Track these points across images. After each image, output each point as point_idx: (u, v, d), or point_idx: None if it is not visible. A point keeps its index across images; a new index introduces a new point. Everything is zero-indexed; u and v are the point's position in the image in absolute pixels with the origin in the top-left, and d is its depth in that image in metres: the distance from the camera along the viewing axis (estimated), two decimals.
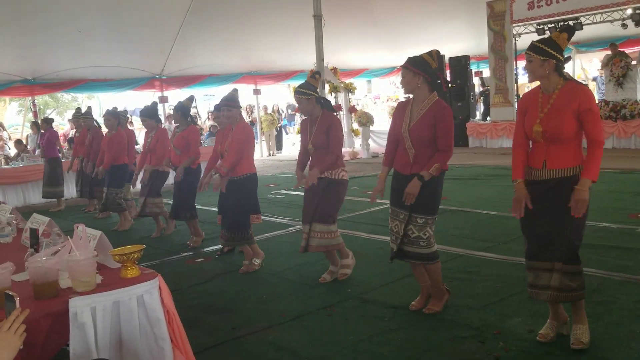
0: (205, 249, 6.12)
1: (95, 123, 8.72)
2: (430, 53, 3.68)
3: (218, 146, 5.47)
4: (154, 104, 7.28)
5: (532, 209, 3.11)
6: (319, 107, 4.54)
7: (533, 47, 3.08)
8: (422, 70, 3.62)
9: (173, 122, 7.60)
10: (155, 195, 6.79)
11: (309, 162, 4.69)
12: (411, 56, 3.72)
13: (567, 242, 3.04)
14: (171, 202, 6.50)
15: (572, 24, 13.07)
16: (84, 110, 9.50)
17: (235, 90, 5.34)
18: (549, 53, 3.03)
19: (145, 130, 7.31)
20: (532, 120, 3.13)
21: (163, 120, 13.20)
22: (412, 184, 3.62)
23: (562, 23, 13.32)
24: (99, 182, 8.15)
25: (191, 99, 6.73)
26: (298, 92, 4.52)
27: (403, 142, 3.72)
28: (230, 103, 5.17)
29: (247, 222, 5.10)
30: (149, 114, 6.78)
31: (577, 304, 3.14)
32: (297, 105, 4.90)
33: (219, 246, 5.86)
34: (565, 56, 3.11)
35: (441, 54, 3.95)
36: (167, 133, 6.96)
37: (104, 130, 8.18)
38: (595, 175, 2.98)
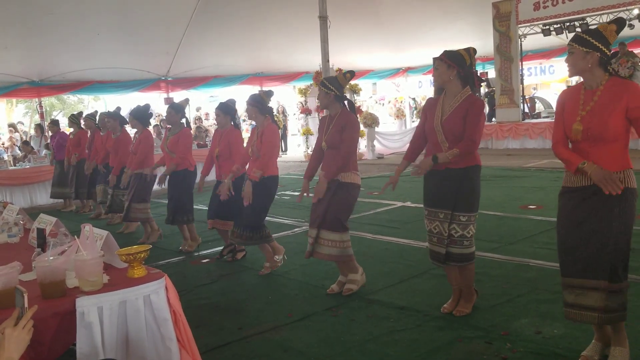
0: (210, 250, 6.11)
1: (95, 124, 8.71)
2: (467, 49, 3.66)
3: (215, 148, 5.52)
4: (147, 106, 7.05)
5: (571, 220, 2.88)
6: (338, 105, 4.32)
7: (576, 38, 2.83)
8: (456, 63, 3.59)
9: (166, 123, 7.31)
10: (140, 200, 6.57)
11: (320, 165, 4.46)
12: (447, 49, 3.67)
13: (612, 257, 2.78)
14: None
15: (578, 24, 13.05)
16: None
17: (262, 93, 5.16)
18: (593, 45, 2.76)
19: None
20: (571, 119, 2.87)
21: None
22: (424, 160, 3.61)
23: (568, 23, 13.30)
24: (95, 182, 8.18)
25: (186, 101, 6.67)
26: (321, 82, 4.40)
27: (435, 137, 3.63)
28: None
29: (264, 221, 5.06)
30: (138, 115, 6.59)
31: (618, 325, 2.92)
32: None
33: (222, 247, 5.85)
34: (612, 51, 2.86)
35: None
36: (151, 136, 6.75)
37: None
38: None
